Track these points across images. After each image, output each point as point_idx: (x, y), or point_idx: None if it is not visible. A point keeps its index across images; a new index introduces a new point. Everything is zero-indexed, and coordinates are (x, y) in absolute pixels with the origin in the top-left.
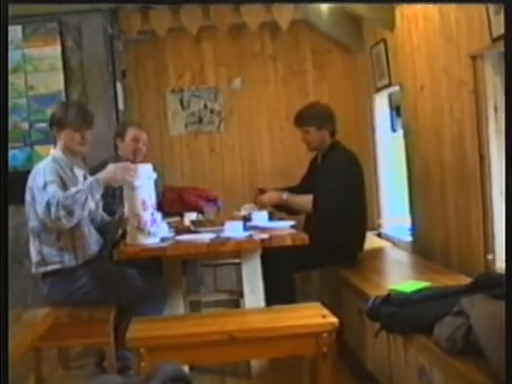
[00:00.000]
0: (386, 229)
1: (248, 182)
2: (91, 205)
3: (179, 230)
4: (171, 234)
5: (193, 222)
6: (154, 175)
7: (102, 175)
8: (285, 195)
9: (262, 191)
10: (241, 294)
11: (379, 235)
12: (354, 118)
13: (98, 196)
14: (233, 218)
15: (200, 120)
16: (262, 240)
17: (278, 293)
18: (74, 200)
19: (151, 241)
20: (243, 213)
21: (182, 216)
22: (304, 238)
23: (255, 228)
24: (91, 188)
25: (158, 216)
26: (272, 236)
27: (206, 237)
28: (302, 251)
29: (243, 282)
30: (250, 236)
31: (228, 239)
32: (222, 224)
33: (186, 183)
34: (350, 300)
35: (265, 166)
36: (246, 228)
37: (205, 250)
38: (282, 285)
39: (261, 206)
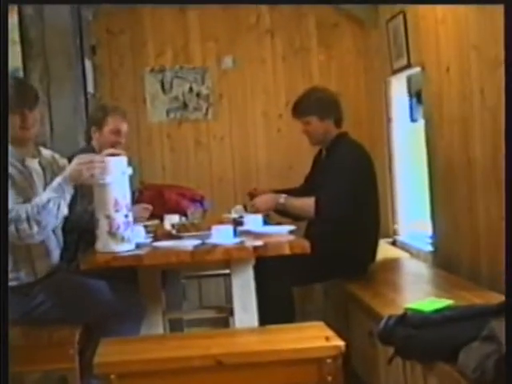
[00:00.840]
0: (402, 236)
1: (240, 180)
2: (65, 211)
3: (158, 235)
4: (148, 240)
5: (174, 226)
6: (129, 170)
7: (66, 173)
8: (282, 198)
9: (253, 194)
10: (230, 312)
11: (394, 243)
12: (365, 105)
13: (69, 198)
14: (221, 222)
15: (184, 106)
16: (256, 248)
17: (273, 310)
18: (48, 211)
19: (125, 248)
20: (234, 216)
21: (161, 219)
22: (305, 245)
23: (248, 233)
24: (62, 191)
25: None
26: (267, 243)
27: (189, 243)
28: (302, 261)
29: (233, 297)
30: (242, 243)
31: (215, 246)
32: (208, 228)
33: (167, 180)
34: (359, 320)
35: (260, 162)
36: (236, 233)
37: (188, 258)
38: (279, 301)
39: (253, 212)
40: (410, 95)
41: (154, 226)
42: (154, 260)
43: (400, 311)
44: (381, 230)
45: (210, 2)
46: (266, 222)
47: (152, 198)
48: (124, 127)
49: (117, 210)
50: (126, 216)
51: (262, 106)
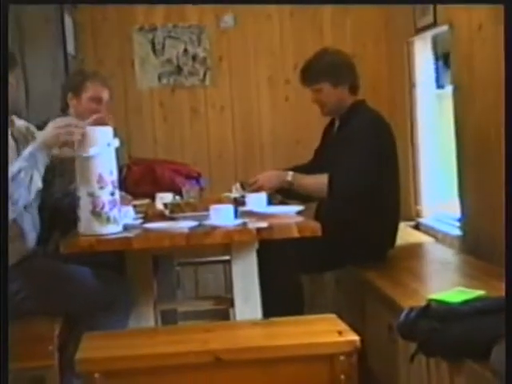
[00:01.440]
0: (426, 218)
1: (241, 156)
2: (38, 183)
3: (149, 215)
4: (138, 221)
5: (167, 206)
6: (116, 142)
7: (40, 139)
8: (289, 176)
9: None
10: (230, 303)
11: (417, 227)
12: (385, 69)
13: (43, 169)
14: (221, 201)
15: (178, 70)
16: (260, 230)
17: (279, 301)
18: (18, 182)
19: (111, 229)
20: (234, 194)
21: (153, 198)
22: (315, 227)
23: (250, 214)
24: (35, 161)
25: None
26: (272, 225)
27: (184, 225)
28: (312, 246)
29: (233, 287)
30: (244, 225)
31: (214, 228)
32: (206, 209)
33: (159, 155)
34: (377, 312)
35: (264, 135)
36: (237, 214)
37: (183, 242)
38: (286, 290)
39: (255, 191)
40: (436, 57)
41: (145, 205)
42: (144, 244)
43: (423, 302)
44: (402, 212)
45: (210, 2)
46: (270, 202)
47: (142, 175)
48: (105, 95)
49: (101, 187)
50: (113, 194)
51: (266, 70)
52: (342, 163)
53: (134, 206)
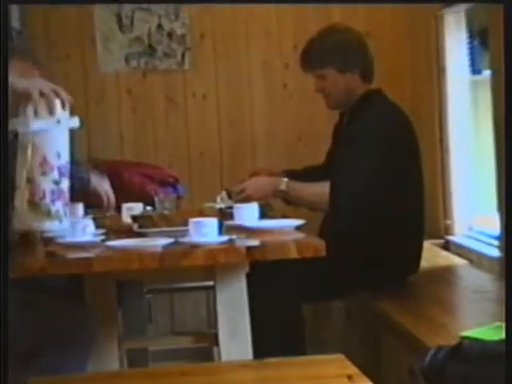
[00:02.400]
0: (457, 236)
1: (229, 156)
2: None
3: (113, 231)
4: (99, 238)
5: (136, 219)
6: (73, 121)
7: (18, 81)
8: (283, 184)
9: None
10: (214, 339)
11: (446, 246)
12: (406, 50)
13: None
14: (203, 214)
15: (151, 50)
16: (250, 249)
17: (275, 337)
18: None
19: (50, 225)
20: (220, 205)
21: (118, 209)
22: (318, 246)
23: (239, 230)
24: None
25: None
26: (266, 243)
27: (157, 243)
28: (315, 269)
29: (218, 319)
30: (231, 242)
31: (194, 247)
32: (184, 223)
33: (126, 155)
34: (395, 352)
35: (258, 131)
36: (223, 229)
37: (156, 264)
38: (283, 324)
39: (241, 201)
40: (471, 36)
41: (108, 218)
42: (106, 266)
43: (454, 341)
44: (427, 228)
45: (209, 2)
46: (263, 214)
47: None
48: (34, 73)
49: (44, 173)
50: (58, 183)
51: (261, 51)
52: (348, 168)
53: (94, 219)
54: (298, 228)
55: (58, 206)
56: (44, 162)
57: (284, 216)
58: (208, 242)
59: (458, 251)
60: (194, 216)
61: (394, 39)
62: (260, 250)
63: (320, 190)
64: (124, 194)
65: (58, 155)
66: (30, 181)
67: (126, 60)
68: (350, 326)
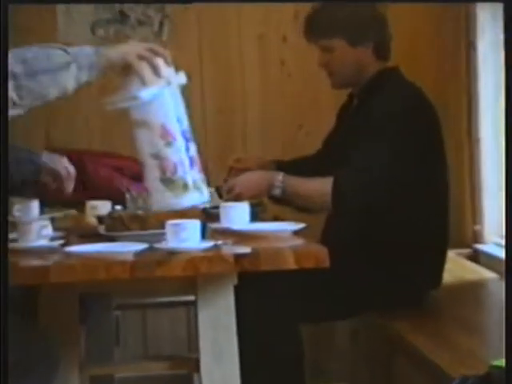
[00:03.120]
0: (488, 245)
1: (215, 147)
2: (69, 85)
3: (75, 234)
4: (58, 243)
5: (103, 220)
6: (180, 77)
7: (106, 52)
8: (278, 179)
9: (237, 170)
10: (195, 365)
11: (475, 256)
12: (429, 22)
13: (86, 78)
14: (183, 214)
15: (122, 17)
16: (239, 258)
17: (268, 363)
18: (48, 58)
19: (193, 199)
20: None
21: (81, 207)
22: (320, 255)
23: (226, 234)
24: (83, 56)
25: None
26: (258, 251)
27: (128, 249)
28: (316, 282)
29: (200, 341)
30: (216, 249)
31: (172, 254)
32: (160, 225)
33: (93, 143)
34: (411, 381)
35: (250, 117)
36: (207, 233)
37: (126, 274)
38: (277, 347)
39: (232, 199)
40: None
41: (68, 218)
42: (66, 276)
43: (482, 370)
44: (452, 234)
45: (208, 1)
46: (255, 216)
47: None
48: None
49: (168, 144)
50: (186, 151)
51: (254, 22)
52: (356, 160)
53: (52, 220)
54: (297, 233)
55: (194, 176)
56: (165, 131)
57: (277, 218)
58: (188, 248)
59: (489, 263)
60: (172, 217)
61: (415, 10)
62: (251, 259)
63: (320, 185)
64: (87, 189)
65: (178, 120)
66: (156, 156)
67: (92, 30)
68: (356, 351)
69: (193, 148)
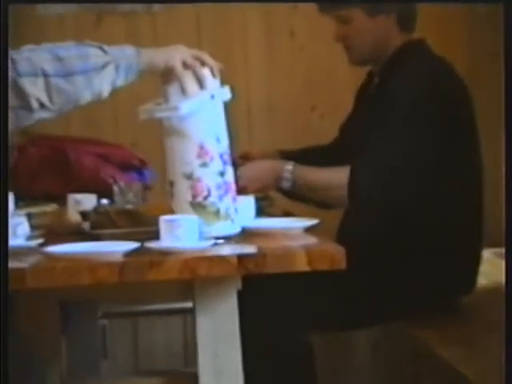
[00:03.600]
0: None
1: None
2: (104, 90)
3: (56, 232)
4: (35, 242)
5: (88, 216)
6: (225, 92)
7: (149, 54)
8: (288, 170)
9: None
10: (193, 380)
11: None
12: None
13: (123, 82)
14: (179, 209)
15: None
16: (243, 259)
17: (275, 378)
18: (85, 57)
19: (223, 230)
20: None
21: (62, 201)
22: (336, 255)
23: None
24: (122, 57)
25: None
26: (265, 251)
27: (116, 249)
28: (331, 286)
29: (199, 354)
30: (216, 249)
31: (166, 255)
32: (153, 221)
33: (73, 129)
34: None
35: (255, 97)
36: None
37: (114, 278)
38: (286, 360)
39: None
40: None
41: (48, 214)
42: (45, 280)
43: None
44: (487, 232)
45: (210, 1)
46: (260, 211)
47: (44, 162)
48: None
49: (204, 164)
50: (222, 174)
51: None
52: (375, 147)
53: (29, 216)
54: (309, 230)
55: (228, 203)
56: (202, 150)
57: (287, 213)
58: (185, 247)
59: None
60: (166, 212)
61: None
62: (257, 260)
63: (336, 176)
64: (69, 180)
65: (218, 139)
66: (189, 176)
67: None
68: (376, 365)
69: (229, 173)
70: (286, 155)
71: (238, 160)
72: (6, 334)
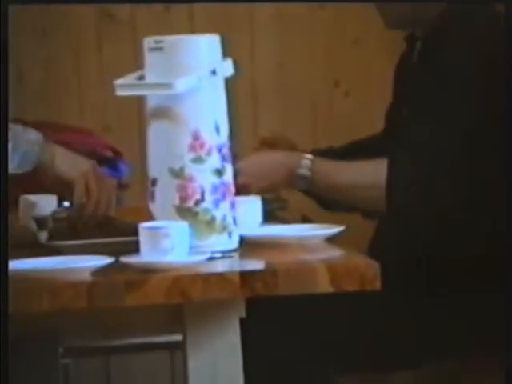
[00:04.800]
0: None
1: None
2: None
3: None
4: None
5: (44, 223)
6: (228, 67)
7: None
8: (304, 166)
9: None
10: None
11: None
12: None
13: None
14: (162, 215)
15: None
16: (248, 277)
17: None
18: None
19: (218, 242)
20: None
21: (14, 203)
22: (368, 272)
23: None
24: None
25: None
26: (276, 266)
27: (82, 265)
28: (362, 313)
29: None
30: (214, 263)
31: (148, 272)
32: (131, 229)
33: (28, 110)
34: None
35: (261, 66)
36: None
37: (80, 302)
38: None
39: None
40: None
41: None
42: None
43: None
44: None
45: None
46: (270, 216)
47: None
48: None
49: (198, 159)
50: (220, 173)
51: None
52: (412, 139)
53: None
54: (332, 239)
55: (225, 210)
56: (196, 141)
57: (304, 218)
58: (173, 263)
59: None
60: (147, 218)
61: None
62: (265, 279)
63: (376, 172)
64: (21, 178)
65: (217, 128)
66: (178, 174)
67: None
68: None
69: (229, 171)
70: (321, 154)
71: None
72: (5, 335)
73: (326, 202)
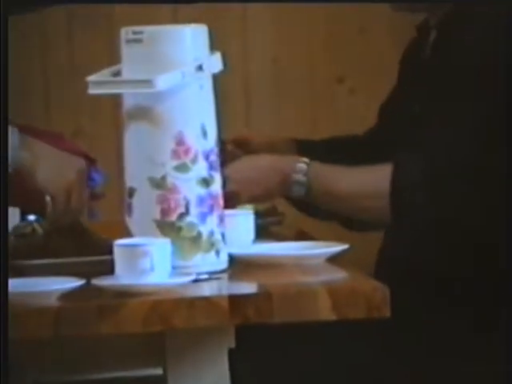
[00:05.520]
0: None
1: None
2: None
3: None
4: None
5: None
6: (216, 62)
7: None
8: (300, 171)
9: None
10: None
11: None
12: None
13: None
14: (141, 231)
15: None
16: (238, 301)
17: None
18: None
19: (204, 263)
20: None
21: None
22: (376, 297)
23: None
24: None
25: None
26: (270, 289)
27: (50, 287)
28: (369, 344)
29: None
30: (199, 286)
31: (124, 296)
32: (105, 247)
33: None
34: None
35: (257, 60)
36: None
37: (47, 331)
38: None
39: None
40: None
41: None
42: None
43: None
44: None
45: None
46: (263, 231)
47: None
48: None
49: (182, 167)
50: (207, 184)
51: None
52: (426, 140)
53: None
54: (334, 259)
55: (212, 225)
56: (180, 146)
57: (303, 234)
58: (153, 285)
59: None
60: (123, 234)
61: None
62: (258, 304)
63: (380, 179)
64: None
65: (203, 131)
66: (159, 184)
67: None
68: None
69: (217, 182)
70: (303, 147)
71: (229, 149)
72: (6, 337)
73: (301, 205)
